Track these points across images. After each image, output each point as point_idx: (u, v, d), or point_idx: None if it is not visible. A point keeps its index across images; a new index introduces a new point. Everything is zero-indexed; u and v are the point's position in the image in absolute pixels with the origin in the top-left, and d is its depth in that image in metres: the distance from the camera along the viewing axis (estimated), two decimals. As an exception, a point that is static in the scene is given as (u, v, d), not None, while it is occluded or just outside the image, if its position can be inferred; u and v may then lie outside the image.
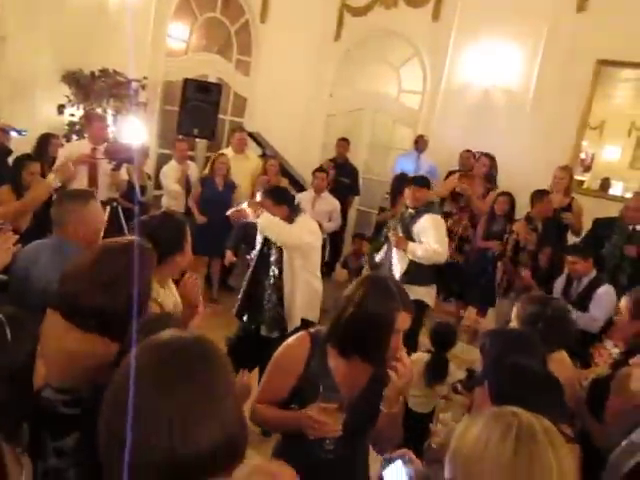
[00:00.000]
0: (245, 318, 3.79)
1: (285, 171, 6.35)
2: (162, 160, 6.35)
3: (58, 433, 1.31)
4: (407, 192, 4.28)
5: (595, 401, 2.29)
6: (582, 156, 6.55)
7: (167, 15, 6.35)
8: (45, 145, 4.99)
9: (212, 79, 6.85)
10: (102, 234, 2.57)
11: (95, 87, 5.45)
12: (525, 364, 1.63)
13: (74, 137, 5.44)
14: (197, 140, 6.73)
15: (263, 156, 6.54)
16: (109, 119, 5.45)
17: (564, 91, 6.18)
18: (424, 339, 3.97)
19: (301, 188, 6.22)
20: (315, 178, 5.87)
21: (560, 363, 2.11)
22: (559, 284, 4.28)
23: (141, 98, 5.91)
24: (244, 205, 3.56)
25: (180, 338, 0.96)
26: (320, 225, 5.50)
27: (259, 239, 3.70)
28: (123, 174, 4.93)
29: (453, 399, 3.31)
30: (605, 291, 3.88)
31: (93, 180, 4.79)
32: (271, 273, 3.62)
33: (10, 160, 4.24)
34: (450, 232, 5.88)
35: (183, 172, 5.80)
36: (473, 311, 5.77)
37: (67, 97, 5.43)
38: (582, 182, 6.57)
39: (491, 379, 1.57)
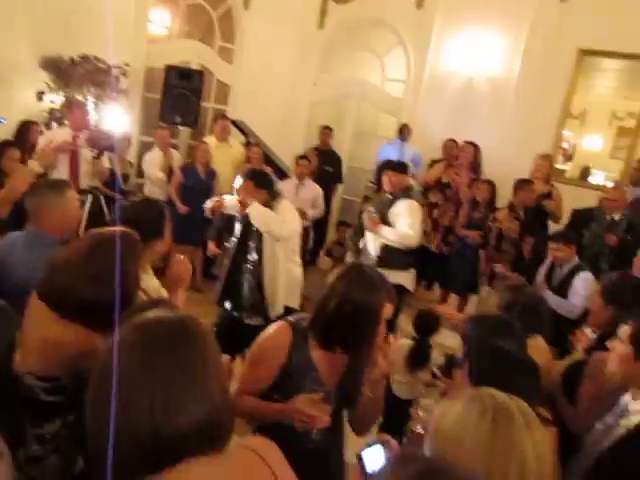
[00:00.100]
0: (227, 305, 3.77)
1: (269, 159, 6.33)
2: (144, 148, 6.28)
3: (39, 420, 1.31)
4: (384, 177, 4.31)
5: (569, 386, 2.34)
6: (564, 145, 6.62)
7: (148, 0, 6.27)
8: (25, 132, 4.90)
9: (195, 66, 6.78)
10: (85, 223, 2.56)
11: (75, 73, 5.36)
12: (506, 348, 1.65)
13: (54, 124, 5.36)
14: (180, 128, 6.67)
15: (247, 144, 6.51)
16: (90, 106, 5.38)
17: (547, 80, 6.23)
18: (406, 325, 4.00)
19: (285, 176, 6.21)
20: (297, 165, 5.87)
21: (536, 349, 2.14)
22: (542, 271, 4.34)
23: (122, 85, 5.83)
24: (227, 197, 3.54)
25: (165, 317, 0.95)
26: (304, 212, 5.55)
27: (237, 226, 3.68)
28: (105, 162, 4.88)
29: (437, 385, 3.35)
30: (584, 278, 3.92)
31: (74, 168, 4.73)
32: (250, 259, 3.60)
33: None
34: (436, 223, 5.94)
35: (167, 160, 5.76)
36: (455, 299, 5.83)
37: (46, 84, 5.34)
38: (564, 171, 6.64)
39: (472, 362, 1.59)
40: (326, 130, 7.15)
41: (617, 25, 5.73)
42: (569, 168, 6.71)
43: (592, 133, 6.62)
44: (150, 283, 2.21)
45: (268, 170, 5.69)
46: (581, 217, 4.89)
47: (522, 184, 5.08)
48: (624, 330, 1.88)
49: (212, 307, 3.97)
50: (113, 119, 4.72)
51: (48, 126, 5.31)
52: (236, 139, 6.58)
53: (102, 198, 4.70)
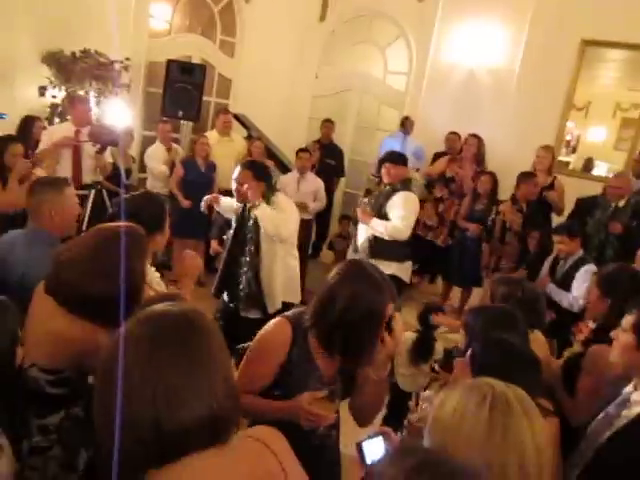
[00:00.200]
0: (225, 297, 3.74)
1: (270, 153, 6.32)
2: (146, 142, 6.29)
3: (42, 411, 1.33)
4: (383, 169, 4.31)
5: (569, 379, 2.34)
6: (568, 137, 6.58)
7: (149, -6, 6.26)
8: (28, 128, 4.92)
9: (196, 60, 6.77)
10: (88, 219, 2.57)
11: (77, 68, 5.35)
12: (510, 340, 1.65)
13: (56, 120, 5.36)
14: (182, 122, 6.68)
15: (248, 138, 6.50)
16: (92, 101, 5.38)
17: (549, 71, 6.18)
18: (410, 318, 4.00)
19: (286, 169, 6.20)
20: (298, 158, 5.87)
21: (535, 342, 2.14)
22: (547, 264, 4.32)
23: (124, 79, 5.82)
24: (224, 199, 3.53)
25: (171, 310, 0.96)
26: (306, 205, 5.54)
27: (234, 217, 3.66)
28: (107, 157, 4.89)
29: (439, 378, 3.35)
30: (586, 270, 3.90)
31: (77, 163, 4.74)
32: (247, 251, 3.56)
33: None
34: (442, 218, 5.93)
35: (170, 154, 5.76)
36: (458, 291, 5.84)
37: (48, 79, 5.33)
38: (568, 163, 6.61)
39: (475, 353, 1.60)
40: (328, 123, 7.13)
41: (620, 15, 5.67)
42: (573, 160, 6.67)
43: (596, 125, 6.57)
44: (152, 277, 2.22)
45: (270, 164, 5.71)
46: (585, 205, 4.86)
47: (525, 177, 5.06)
48: (627, 319, 1.88)
49: (215, 301, 3.98)
50: (115, 114, 4.71)
51: (50, 121, 5.32)
52: (238, 133, 6.58)
53: (105, 193, 4.71)
